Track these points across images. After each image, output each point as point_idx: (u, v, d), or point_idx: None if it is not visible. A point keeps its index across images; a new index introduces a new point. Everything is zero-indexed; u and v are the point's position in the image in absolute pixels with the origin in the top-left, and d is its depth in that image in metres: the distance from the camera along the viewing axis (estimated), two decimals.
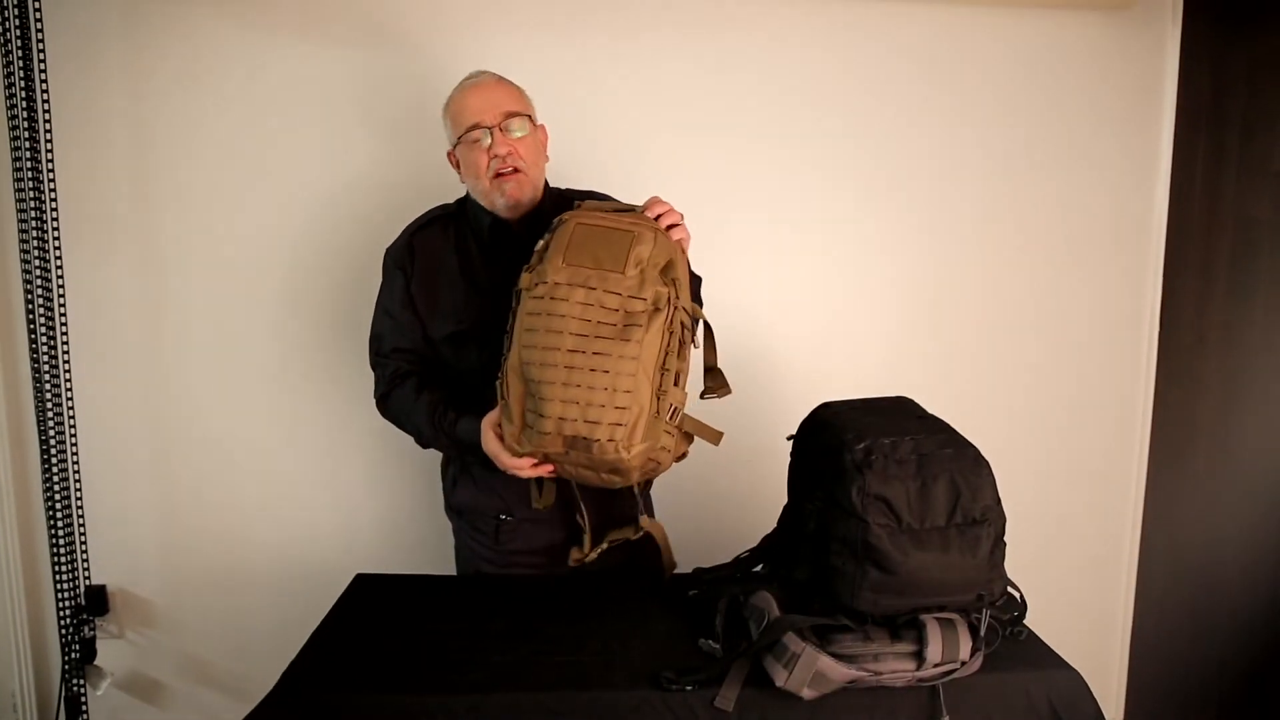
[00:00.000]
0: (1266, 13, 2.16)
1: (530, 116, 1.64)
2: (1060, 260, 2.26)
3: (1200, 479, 2.36)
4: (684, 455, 1.49)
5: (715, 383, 1.55)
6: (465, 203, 1.72)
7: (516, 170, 1.60)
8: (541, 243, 1.45)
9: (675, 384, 1.40)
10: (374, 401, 1.74)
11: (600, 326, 1.36)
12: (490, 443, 1.50)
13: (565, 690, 1.25)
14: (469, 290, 1.67)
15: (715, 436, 1.48)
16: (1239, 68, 2.23)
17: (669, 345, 1.38)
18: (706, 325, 1.52)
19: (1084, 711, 1.29)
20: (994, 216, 2.23)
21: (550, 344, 1.36)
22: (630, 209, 1.50)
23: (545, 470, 1.46)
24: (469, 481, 1.75)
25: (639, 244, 1.39)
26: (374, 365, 1.75)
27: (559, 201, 1.70)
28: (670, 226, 1.48)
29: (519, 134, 1.60)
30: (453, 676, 1.28)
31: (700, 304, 1.80)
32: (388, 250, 1.74)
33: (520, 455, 1.43)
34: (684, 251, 1.49)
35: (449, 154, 1.69)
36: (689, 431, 1.46)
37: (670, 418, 1.39)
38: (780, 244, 2.19)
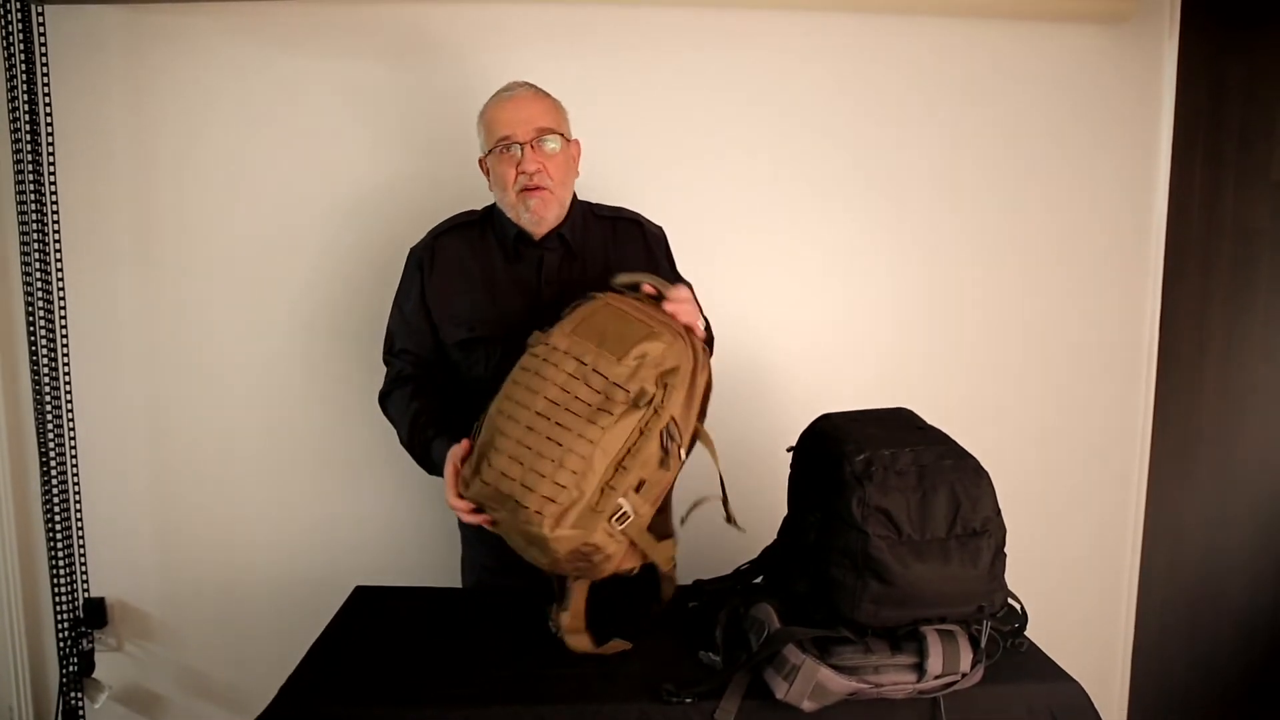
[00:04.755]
0: (1263, 24, 2.18)
1: (563, 133, 1.63)
2: (1060, 271, 2.26)
3: (1201, 489, 2.36)
4: (633, 570, 1.39)
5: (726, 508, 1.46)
6: (492, 210, 1.73)
7: (542, 188, 1.60)
8: (568, 308, 1.43)
9: (637, 491, 1.31)
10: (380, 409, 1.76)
11: (574, 401, 1.30)
12: (449, 476, 1.47)
13: (566, 703, 1.24)
14: (486, 299, 1.67)
15: (668, 563, 1.39)
16: (1236, 78, 2.24)
17: (635, 445, 1.30)
18: (713, 453, 1.43)
19: None
20: (994, 227, 2.23)
21: (524, 401, 1.33)
22: (658, 296, 1.45)
23: (484, 520, 1.40)
24: None
25: (652, 340, 1.33)
26: (385, 361, 1.77)
27: (587, 216, 1.72)
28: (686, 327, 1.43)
29: (551, 150, 1.60)
30: (452, 689, 1.27)
31: (711, 338, 1.79)
32: (411, 249, 1.75)
33: (464, 497, 1.39)
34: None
35: (480, 160, 1.68)
36: (639, 546, 1.34)
37: (615, 519, 1.29)
38: (780, 255, 2.19)
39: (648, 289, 1.47)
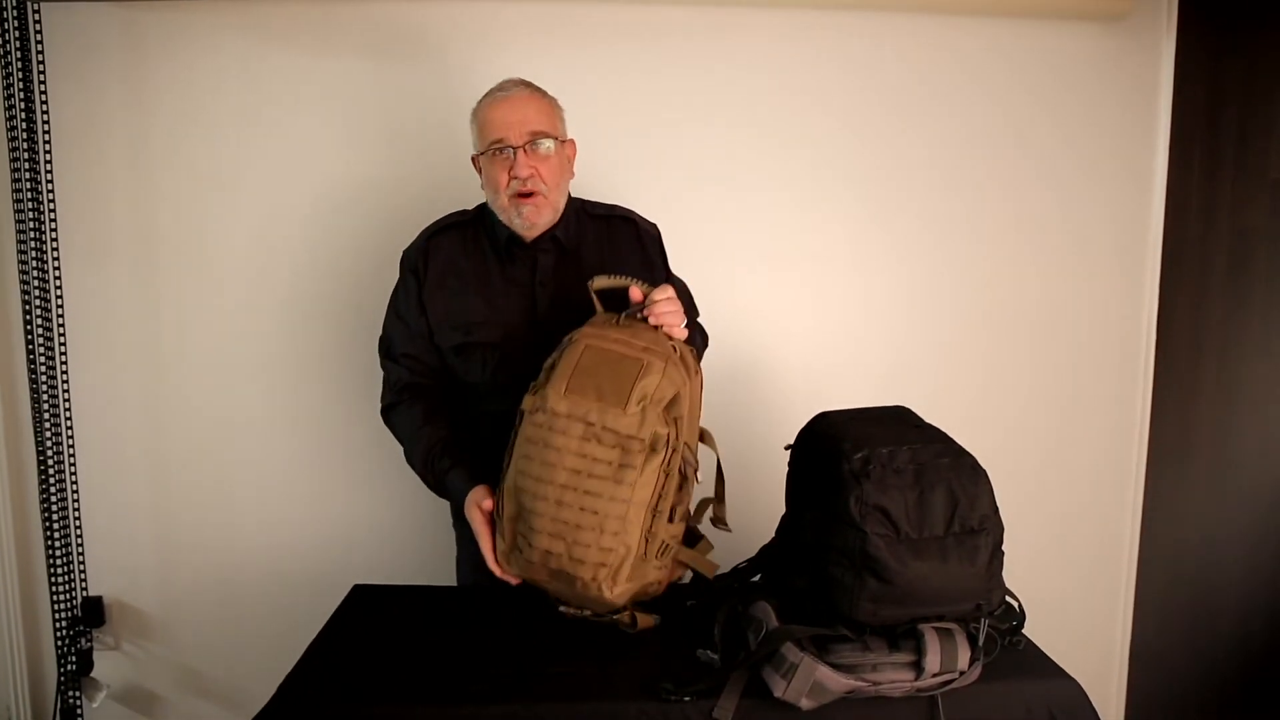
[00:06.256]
0: (1261, 22, 2.18)
1: (558, 134, 1.61)
2: (1058, 269, 2.26)
3: (1198, 487, 2.36)
4: (679, 578, 1.46)
5: (719, 513, 1.50)
6: (484, 210, 1.70)
7: (535, 193, 1.57)
8: (550, 359, 1.40)
9: (670, 520, 1.37)
10: (377, 407, 1.74)
11: (595, 464, 1.31)
12: (476, 521, 1.48)
13: (564, 702, 1.24)
14: (482, 301, 1.65)
15: (710, 569, 1.44)
16: (1234, 77, 2.24)
17: (663, 487, 1.34)
18: (719, 472, 1.48)
19: None
20: (991, 226, 2.23)
21: (543, 476, 1.32)
22: (640, 305, 1.45)
23: (515, 580, 1.44)
24: None
25: (646, 375, 1.32)
26: (383, 366, 1.74)
27: (580, 215, 1.70)
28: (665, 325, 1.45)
29: (545, 152, 1.58)
30: (451, 688, 1.27)
31: (697, 313, 1.81)
32: (404, 252, 1.72)
33: (505, 571, 1.42)
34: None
35: (474, 159, 1.66)
36: (683, 562, 1.43)
37: (660, 554, 1.36)
38: (779, 253, 2.19)
39: (634, 293, 1.47)
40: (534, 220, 1.60)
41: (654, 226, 1.77)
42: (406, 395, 1.68)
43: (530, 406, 1.37)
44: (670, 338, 1.43)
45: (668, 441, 1.32)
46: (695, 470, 1.41)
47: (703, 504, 1.51)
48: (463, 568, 1.85)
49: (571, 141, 1.67)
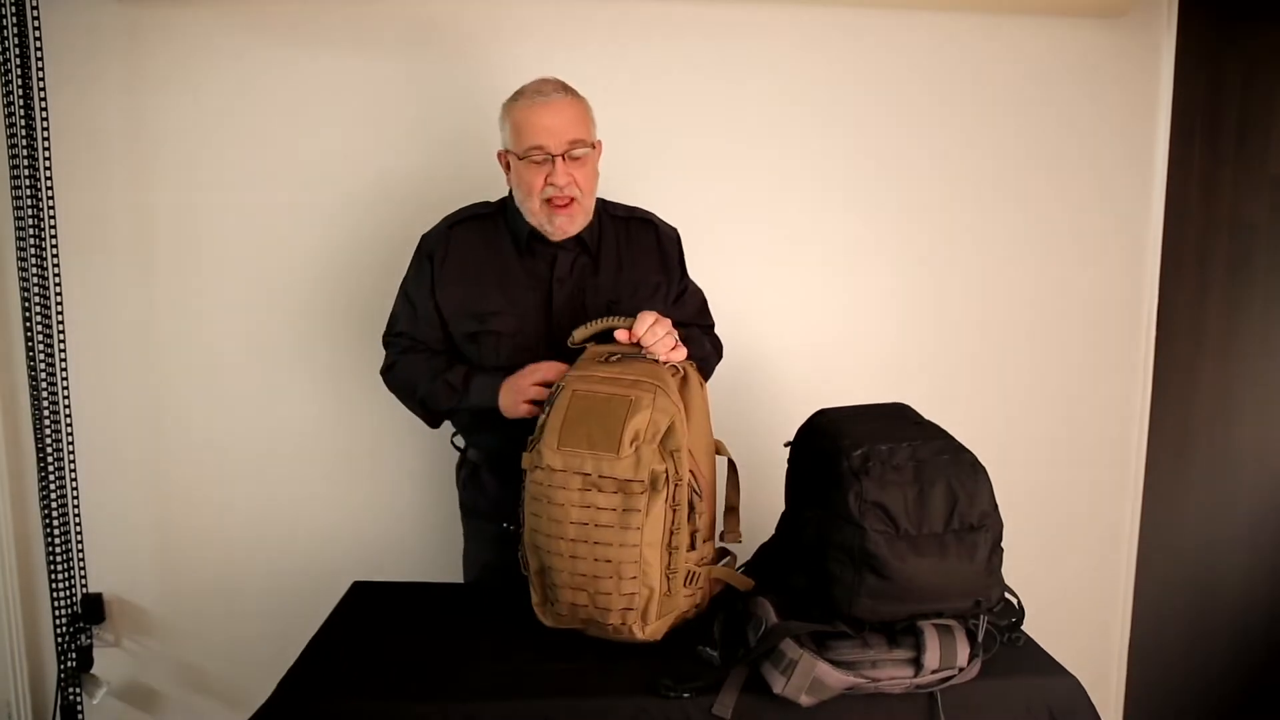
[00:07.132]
0: (1261, 18, 2.18)
1: (593, 140, 1.61)
2: (1057, 266, 2.26)
3: (1197, 484, 2.36)
4: (722, 587, 1.46)
5: (729, 527, 1.50)
6: (506, 203, 1.71)
7: (572, 200, 1.58)
8: (543, 416, 1.37)
9: (692, 547, 1.36)
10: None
11: (600, 513, 1.29)
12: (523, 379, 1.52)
13: (563, 698, 1.24)
14: (498, 293, 1.66)
15: (744, 584, 1.45)
16: (1234, 73, 2.24)
17: (673, 523, 1.32)
18: (731, 464, 1.49)
19: (1082, 718, 1.29)
20: (991, 222, 2.23)
21: (553, 532, 1.31)
22: (634, 347, 1.45)
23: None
24: (477, 486, 1.76)
25: (635, 413, 1.29)
26: (385, 344, 1.77)
27: (601, 216, 1.70)
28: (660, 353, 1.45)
29: (581, 159, 1.58)
30: (450, 684, 1.27)
31: (712, 324, 1.81)
32: (424, 236, 1.73)
33: (546, 624, 1.40)
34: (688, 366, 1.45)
35: (500, 154, 1.66)
36: (715, 578, 1.43)
37: (689, 582, 1.36)
38: (778, 250, 2.19)
39: (621, 335, 1.46)
40: (567, 229, 1.61)
41: (674, 230, 1.78)
42: (407, 353, 1.72)
43: (529, 464, 1.35)
44: (669, 361, 1.43)
45: (667, 477, 1.30)
46: (701, 494, 1.38)
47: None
48: (469, 565, 1.85)
49: (599, 143, 1.66)
